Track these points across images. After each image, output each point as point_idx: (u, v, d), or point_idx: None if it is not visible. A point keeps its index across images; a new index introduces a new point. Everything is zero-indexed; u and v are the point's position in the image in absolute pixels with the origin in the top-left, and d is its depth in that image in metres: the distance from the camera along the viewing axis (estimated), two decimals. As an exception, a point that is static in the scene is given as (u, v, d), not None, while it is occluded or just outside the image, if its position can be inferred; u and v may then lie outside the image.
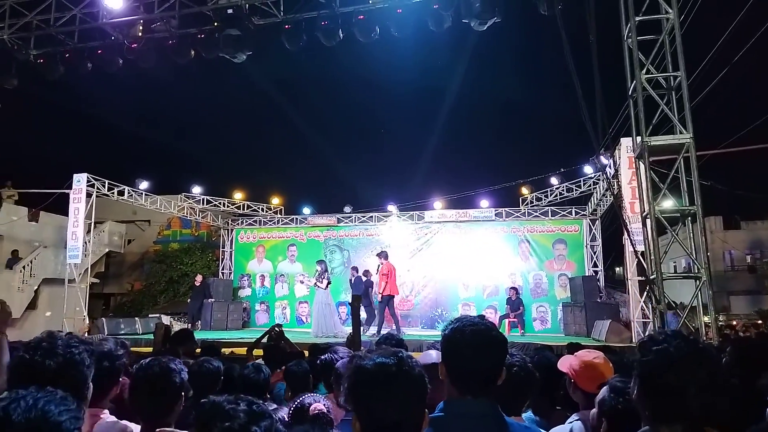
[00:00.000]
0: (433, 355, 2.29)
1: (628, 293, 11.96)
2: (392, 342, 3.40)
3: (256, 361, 3.98)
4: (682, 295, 12.85)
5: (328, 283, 12.52)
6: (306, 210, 17.69)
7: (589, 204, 14.82)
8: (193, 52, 8.33)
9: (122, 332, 12.47)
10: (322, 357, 3.38)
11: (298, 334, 13.34)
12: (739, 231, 26.89)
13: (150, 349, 6.87)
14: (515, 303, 13.55)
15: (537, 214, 15.31)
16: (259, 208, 17.84)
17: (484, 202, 16.08)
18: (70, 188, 13.97)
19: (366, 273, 13.33)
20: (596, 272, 14.57)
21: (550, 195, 15.45)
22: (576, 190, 15.00)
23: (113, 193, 14.85)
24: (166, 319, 15.40)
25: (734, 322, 18.41)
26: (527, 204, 15.64)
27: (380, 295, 12.38)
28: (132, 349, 6.18)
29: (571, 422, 2.46)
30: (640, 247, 7.49)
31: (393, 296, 12.31)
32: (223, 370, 3.15)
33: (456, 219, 15.75)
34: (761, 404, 2.25)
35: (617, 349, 4.83)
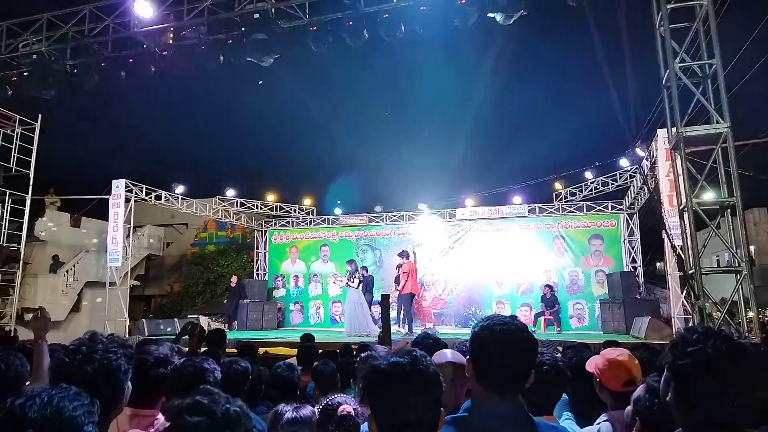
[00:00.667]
0: (448, 355, 2.26)
1: (669, 289, 11.62)
2: (429, 341, 3.37)
3: (288, 360, 4.02)
4: (726, 290, 12.43)
5: (360, 282, 12.56)
6: (337, 210, 17.78)
7: (626, 198, 14.46)
8: (222, 58, 8.47)
9: (162, 333, 12.79)
10: (362, 355, 3.38)
11: (332, 333, 13.45)
12: (786, 222, 25.78)
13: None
14: (550, 300, 13.33)
15: (572, 209, 15.02)
16: (291, 209, 18.04)
17: (517, 199, 15.85)
18: (110, 194, 14.41)
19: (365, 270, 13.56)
20: (635, 268, 14.21)
21: (585, 189, 15.13)
22: (612, 183, 14.65)
23: (151, 197, 15.23)
24: (204, 320, 15.72)
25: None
26: (561, 199, 15.36)
27: (398, 293, 12.44)
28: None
29: (599, 422, 2.40)
30: (678, 241, 7.26)
31: (414, 295, 12.34)
32: (251, 371, 3.18)
33: (488, 216, 15.59)
34: None
35: (657, 347, 4.67)
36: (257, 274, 17.61)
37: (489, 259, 15.16)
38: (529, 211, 15.30)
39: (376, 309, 12.47)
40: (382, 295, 10.44)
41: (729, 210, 6.28)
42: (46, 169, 15.66)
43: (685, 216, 6.22)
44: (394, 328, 10.98)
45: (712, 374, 1.41)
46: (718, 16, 6.22)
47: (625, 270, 13.81)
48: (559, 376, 2.53)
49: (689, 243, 6.24)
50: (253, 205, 17.65)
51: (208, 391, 1.36)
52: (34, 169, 14.46)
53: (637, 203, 14.10)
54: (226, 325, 15.15)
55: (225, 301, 16.33)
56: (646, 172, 9.46)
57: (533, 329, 11.29)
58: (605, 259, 14.52)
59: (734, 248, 6.20)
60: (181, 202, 16.14)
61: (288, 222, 17.73)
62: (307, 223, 17.54)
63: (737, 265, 6.09)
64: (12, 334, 10.76)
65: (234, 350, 6.07)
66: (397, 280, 12.97)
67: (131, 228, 15.34)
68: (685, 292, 10.58)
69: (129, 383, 1.88)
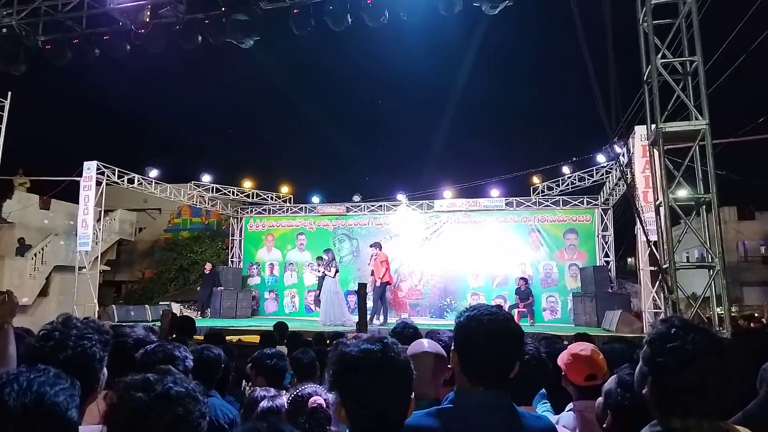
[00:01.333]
0: (426, 345, 2.21)
1: (640, 283, 11.82)
2: (409, 330, 3.33)
3: (277, 348, 3.93)
4: (694, 286, 12.71)
5: (336, 271, 12.51)
6: (315, 199, 17.64)
7: (602, 193, 14.66)
8: (200, 38, 8.24)
9: (132, 319, 12.55)
10: (334, 342, 3.33)
11: (307, 322, 13.37)
12: (753, 221, 26.51)
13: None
14: (524, 293, 13.46)
15: (548, 203, 15.17)
16: (268, 196, 17.82)
17: (495, 192, 15.93)
18: (81, 176, 14.03)
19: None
20: (608, 262, 14.44)
21: (562, 184, 15.29)
22: (588, 179, 14.83)
23: (123, 180, 14.89)
24: (176, 307, 15.48)
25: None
26: (538, 193, 15.49)
27: (376, 284, 12.44)
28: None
29: (568, 411, 2.47)
30: (653, 237, 7.37)
31: (388, 284, 12.40)
32: (224, 358, 3.10)
33: (466, 208, 15.65)
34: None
35: (633, 339, 4.75)
36: (232, 262, 17.41)
37: (465, 250, 15.24)
38: (506, 204, 15.40)
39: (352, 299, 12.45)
40: (359, 284, 10.40)
41: (704, 206, 6.37)
42: (16, 149, 15.15)
43: (661, 211, 6.30)
44: (369, 318, 10.98)
45: (692, 369, 1.39)
46: (700, 12, 6.27)
47: (598, 264, 14.02)
48: (541, 367, 2.54)
49: (664, 238, 6.32)
50: (229, 192, 17.39)
51: (164, 371, 1.32)
52: (3, 149, 13.97)
53: (612, 199, 14.31)
54: (199, 312, 14.95)
55: (198, 288, 16.12)
56: (623, 167, 9.56)
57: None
58: (579, 254, 14.72)
59: (708, 244, 6.31)
60: (154, 186, 15.81)
61: (264, 209, 17.53)
62: (283, 211, 17.37)
63: (710, 260, 6.20)
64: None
65: (200, 338, 5.97)
66: (372, 273, 12.94)
67: (102, 212, 14.99)
68: (656, 286, 10.79)
69: (105, 370, 1.80)
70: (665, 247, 6.33)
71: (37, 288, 16.72)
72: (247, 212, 17.63)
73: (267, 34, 8.16)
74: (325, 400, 2.35)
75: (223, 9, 8.03)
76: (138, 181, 15.29)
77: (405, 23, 8.11)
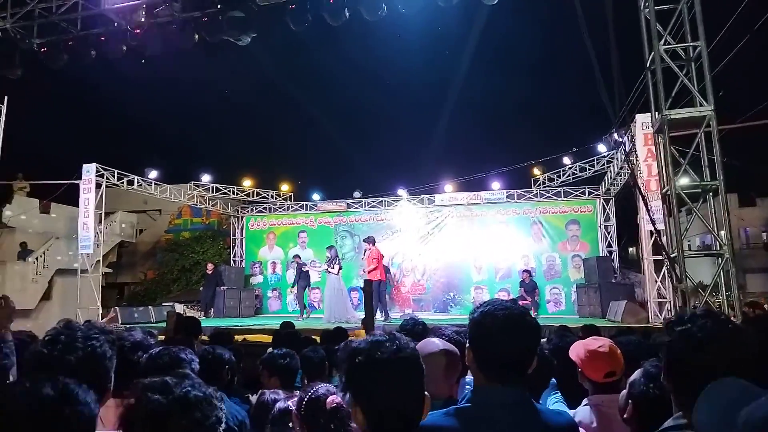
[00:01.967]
0: (438, 343, 2.16)
1: (644, 273, 11.79)
2: (419, 326, 3.28)
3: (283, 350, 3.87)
4: (698, 274, 12.71)
5: (340, 268, 12.47)
6: (316, 196, 17.58)
7: (603, 183, 14.60)
8: (196, 37, 8.17)
9: (136, 321, 12.52)
10: (342, 344, 3.27)
11: (311, 320, 13.35)
12: (754, 208, 26.50)
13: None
14: (530, 285, 13.42)
15: (549, 194, 15.12)
16: (268, 195, 17.77)
17: (496, 184, 15.87)
18: (80, 179, 13.97)
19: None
20: (610, 252, 14.40)
21: (563, 175, 15.23)
22: (589, 169, 14.77)
23: (123, 183, 14.83)
24: (179, 308, 15.44)
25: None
26: (539, 185, 15.44)
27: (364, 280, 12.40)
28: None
29: (581, 407, 2.43)
30: (661, 225, 7.31)
31: (381, 281, 12.26)
32: (229, 359, 3.06)
33: (467, 202, 15.60)
34: None
35: (641, 330, 4.71)
36: (234, 261, 17.37)
37: (468, 244, 15.21)
38: (507, 196, 15.36)
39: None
40: (364, 281, 10.36)
41: (711, 193, 6.31)
42: (14, 154, 15.08)
43: (668, 199, 6.24)
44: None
45: (702, 353, 1.38)
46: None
47: (601, 255, 13.98)
48: (546, 364, 2.52)
49: (672, 226, 6.27)
50: (229, 191, 17.33)
51: (181, 374, 1.31)
52: (0, 154, 13.90)
53: (613, 189, 14.25)
54: (203, 312, 14.93)
55: (201, 288, 16.08)
56: (625, 155, 9.49)
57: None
58: (582, 244, 14.67)
59: (716, 231, 6.25)
60: (154, 187, 15.76)
61: (265, 208, 17.48)
62: (284, 209, 17.32)
63: (719, 247, 6.14)
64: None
65: (206, 338, 5.92)
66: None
67: (103, 214, 14.94)
68: (661, 275, 10.75)
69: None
70: (674, 235, 6.28)
71: (39, 292, 16.69)
72: (248, 211, 17.58)
73: (264, 31, 8.08)
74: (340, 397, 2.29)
75: (218, 6, 7.94)
76: (137, 182, 15.23)
77: (403, 16, 8.03)
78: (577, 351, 2.56)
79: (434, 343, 2.20)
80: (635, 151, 10.11)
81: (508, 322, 1.61)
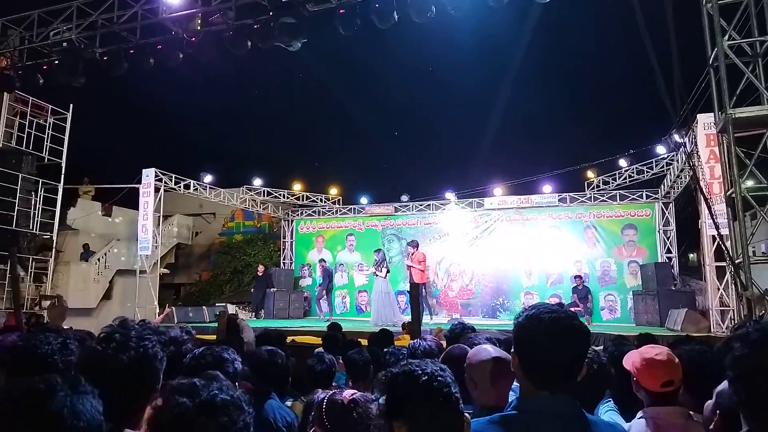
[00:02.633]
0: (491, 351, 2.09)
1: (705, 280, 11.23)
2: (468, 331, 3.23)
3: (318, 350, 3.91)
4: (764, 281, 12.01)
5: (387, 271, 12.48)
6: (363, 200, 17.68)
7: (662, 186, 14.01)
8: (249, 43, 8.36)
9: (191, 320, 12.91)
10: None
11: (358, 323, 13.40)
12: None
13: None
14: (582, 291, 13.04)
15: (604, 198, 14.64)
16: (317, 198, 18.02)
17: (547, 188, 15.50)
18: (140, 183, 14.57)
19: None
20: (670, 259, 13.79)
21: (619, 178, 14.72)
22: (647, 172, 14.21)
23: (180, 186, 15.36)
24: (231, 308, 15.85)
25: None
26: (593, 188, 14.97)
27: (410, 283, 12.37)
28: (198, 336, 6.32)
29: (635, 420, 2.30)
30: (725, 230, 6.94)
31: (423, 285, 12.26)
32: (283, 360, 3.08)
33: (517, 205, 15.30)
34: None
35: (702, 340, 4.45)
36: (284, 263, 17.66)
37: (517, 249, 14.90)
38: (559, 200, 14.97)
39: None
40: (411, 284, 10.34)
41: (781, 196, 5.95)
42: (78, 159, 15.88)
43: (734, 202, 5.90)
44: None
45: None
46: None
47: (659, 261, 13.42)
48: (603, 372, 2.40)
49: (736, 231, 5.93)
50: (279, 195, 17.68)
51: (211, 376, 1.30)
52: (66, 159, 14.67)
53: (673, 192, 13.65)
54: (253, 314, 15.25)
55: (252, 290, 16.43)
56: (686, 157, 9.08)
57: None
58: (639, 250, 14.13)
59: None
60: (209, 191, 16.26)
61: (314, 211, 17.72)
62: (333, 213, 17.50)
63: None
64: (45, 322, 10.93)
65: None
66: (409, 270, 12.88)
67: (161, 217, 15.51)
68: (724, 283, 10.21)
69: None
70: (739, 240, 5.93)
71: (101, 291, 17.45)
72: (298, 214, 17.86)
73: (314, 36, 8.19)
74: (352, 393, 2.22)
75: (270, 13, 8.11)
76: (193, 186, 15.75)
77: (451, 18, 7.95)
78: (632, 359, 2.43)
79: (487, 351, 2.16)
80: (697, 153, 9.66)
81: (555, 326, 1.54)
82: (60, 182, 14.69)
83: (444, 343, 3.56)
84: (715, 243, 9.73)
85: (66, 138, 14.53)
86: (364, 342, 5.77)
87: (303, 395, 3.25)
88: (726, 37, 5.95)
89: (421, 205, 16.47)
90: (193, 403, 1.19)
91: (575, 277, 13.44)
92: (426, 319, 12.01)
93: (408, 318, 10.28)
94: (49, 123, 14.17)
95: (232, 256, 21.06)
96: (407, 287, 13.43)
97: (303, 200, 18.00)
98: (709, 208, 7.53)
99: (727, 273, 9.36)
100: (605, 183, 14.95)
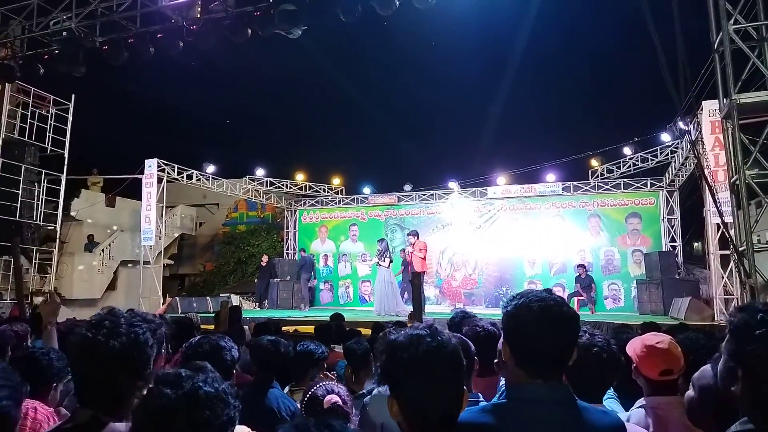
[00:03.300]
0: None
1: (710, 269, 11.18)
2: (471, 319, 3.20)
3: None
4: (767, 270, 11.97)
5: (390, 261, 12.47)
6: (366, 190, 17.64)
7: (667, 174, 13.90)
8: (249, 31, 8.29)
9: (194, 310, 12.96)
10: (380, 333, 3.24)
11: (361, 312, 13.42)
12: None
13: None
14: (586, 281, 13.00)
15: (608, 186, 14.55)
16: (320, 188, 18.00)
17: (551, 176, 15.42)
18: (143, 173, 14.57)
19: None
20: (674, 247, 13.72)
21: (623, 166, 14.62)
22: (651, 160, 14.11)
23: (182, 177, 15.35)
24: (235, 299, 15.93)
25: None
26: (597, 176, 14.88)
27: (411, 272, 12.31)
28: (203, 327, 6.35)
29: (633, 409, 2.29)
30: (729, 218, 6.88)
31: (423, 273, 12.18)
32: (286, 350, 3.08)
33: (520, 194, 15.23)
34: None
35: (706, 328, 4.43)
36: (287, 254, 17.70)
37: (521, 238, 14.86)
38: (563, 188, 14.89)
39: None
40: (413, 273, 10.33)
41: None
42: (80, 149, 15.89)
43: (738, 189, 5.84)
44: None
45: None
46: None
47: (663, 249, 13.35)
48: (612, 360, 2.36)
49: (741, 219, 5.87)
50: (282, 185, 17.68)
51: (198, 367, 1.27)
52: (69, 149, 14.68)
53: (677, 180, 13.55)
54: (257, 304, 15.30)
55: (256, 280, 16.48)
56: (691, 144, 8.99)
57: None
58: (643, 238, 14.06)
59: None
60: (211, 181, 16.26)
61: (317, 201, 17.70)
62: (336, 203, 17.49)
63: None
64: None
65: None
66: (404, 262, 12.82)
67: (164, 208, 15.53)
68: (728, 271, 10.16)
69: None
70: (743, 227, 5.88)
71: (105, 282, 17.55)
72: (301, 205, 17.85)
73: (314, 23, 8.10)
74: (340, 396, 2.27)
75: (270, 0, 8.03)
76: (196, 177, 15.74)
77: (453, 4, 7.87)
78: (634, 346, 2.39)
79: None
80: (702, 140, 9.56)
81: (546, 315, 1.52)
82: (63, 173, 14.70)
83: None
84: (720, 231, 9.66)
85: (68, 128, 14.54)
86: (367, 332, 5.77)
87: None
88: (731, 21, 5.85)
89: (424, 195, 16.43)
90: (176, 394, 1.17)
91: (579, 266, 13.40)
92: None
93: (410, 308, 10.31)
94: (52, 113, 14.17)
95: (236, 247, 21.13)
96: (401, 277, 13.42)
97: (306, 190, 17.99)
98: (713, 196, 7.46)
99: (731, 261, 9.31)
100: (609, 171, 14.86)
